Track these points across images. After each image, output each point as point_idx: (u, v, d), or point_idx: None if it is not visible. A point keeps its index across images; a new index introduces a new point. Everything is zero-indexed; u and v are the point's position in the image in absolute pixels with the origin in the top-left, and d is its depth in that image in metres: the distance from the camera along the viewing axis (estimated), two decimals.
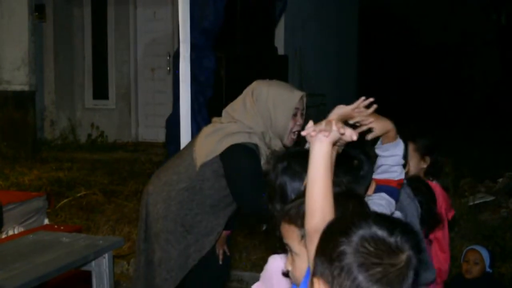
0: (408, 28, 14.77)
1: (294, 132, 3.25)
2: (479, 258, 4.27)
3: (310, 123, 1.76)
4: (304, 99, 3.30)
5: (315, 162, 1.68)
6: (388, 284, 1.34)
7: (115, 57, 10.94)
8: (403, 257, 1.37)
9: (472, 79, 15.52)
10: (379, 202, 2.36)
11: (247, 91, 3.34)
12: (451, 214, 3.59)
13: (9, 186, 7.42)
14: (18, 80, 9.56)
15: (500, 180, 6.71)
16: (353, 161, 2.36)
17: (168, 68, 10.02)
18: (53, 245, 3.02)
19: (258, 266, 3.74)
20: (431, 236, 3.29)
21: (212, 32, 5.92)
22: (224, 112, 3.37)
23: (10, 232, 5.23)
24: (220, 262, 3.51)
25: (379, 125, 2.34)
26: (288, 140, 3.25)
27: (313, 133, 1.70)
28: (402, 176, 2.47)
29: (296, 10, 9.64)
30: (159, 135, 9.15)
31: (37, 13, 10.00)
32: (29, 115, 9.63)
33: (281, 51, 9.27)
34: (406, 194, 2.82)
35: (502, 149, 8.94)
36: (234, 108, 3.33)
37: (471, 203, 6.05)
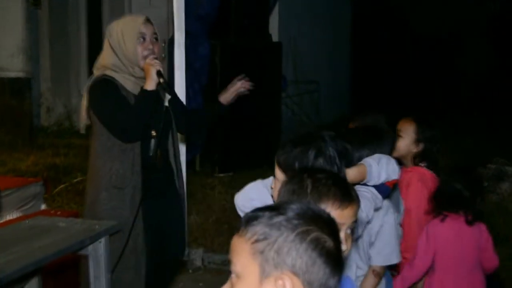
0: (402, 17, 14.75)
1: (145, 56, 3.31)
2: None
3: None
4: (151, 25, 3.41)
5: None
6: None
7: None
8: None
9: (464, 69, 15.53)
10: (365, 195, 2.36)
11: (105, 33, 3.49)
12: None
13: (6, 172, 7.41)
14: (14, 67, 9.52)
15: (490, 166, 6.74)
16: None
17: (163, 55, 9.96)
18: (50, 230, 3.01)
19: None
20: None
21: (207, 19, 5.92)
22: None
23: (8, 217, 5.23)
24: None
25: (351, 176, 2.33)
26: (141, 64, 3.32)
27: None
28: (395, 177, 2.47)
29: None
30: None
31: (32, 0, 9.94)
32: (26, 102, 9.60)
33: (275, 38, 9.25)
34: None
35: (492, 137, 8.99)
36: (94, 65, 3.48)
37: None
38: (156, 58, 3.34)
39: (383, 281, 2.89)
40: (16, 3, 9.41)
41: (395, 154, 3.14)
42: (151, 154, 3.37)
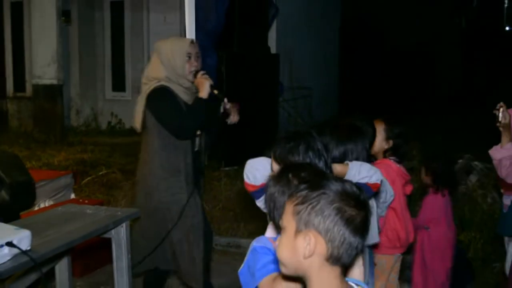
0: (383, 31, 14.73)
1: (191, 72, 3.50)
2: None
3: None
4: (195, 45, 3.57)
5: None
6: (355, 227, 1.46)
7: (131, 55, 10.92)
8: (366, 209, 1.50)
9: (437, 75, 15.50)
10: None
11: (152, 52, 3.65)
12: (409, 189, 3.64)
13: (41, 166, 7.42)
14: (48, 75, 9.54)
15: (460, 160, 6.73)
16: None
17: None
18: (78, 216, 3.02)
19: (255, 234, 3.74)
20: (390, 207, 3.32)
21: (214, 34, 5.91)
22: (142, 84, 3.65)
23: (42, 205, 5.24)
24: None
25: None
26: (190, 77, 3.50)
27: None
28: (376, 180, 2.48)
29: (286, 15, 9.60)
30: None
31: (64, 18, 9.95)
32: (58, 105, 9.61)
33: (273, 50, 9.24)
34: None
35: (462, 135, 8.97)
36: (144, 75, 3.61)
37: None
38: (205, 73, 3.53)
39: (367, 257, 2.92)
40: (51, 20, 9.43)
41: (373, 151, 3.17)
42: (196, 149, 3.57)
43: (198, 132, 3.57)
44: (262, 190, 2.37)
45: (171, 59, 3.49)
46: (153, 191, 3.51)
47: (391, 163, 3.47)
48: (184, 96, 3.52)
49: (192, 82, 3.52)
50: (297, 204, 1.49)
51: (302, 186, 1.53)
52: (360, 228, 1.47)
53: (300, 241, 1.46)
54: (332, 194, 1.47)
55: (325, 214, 1.45)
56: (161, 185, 3.49)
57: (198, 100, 3.45)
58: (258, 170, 2.42)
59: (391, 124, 3.49)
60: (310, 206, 1.46)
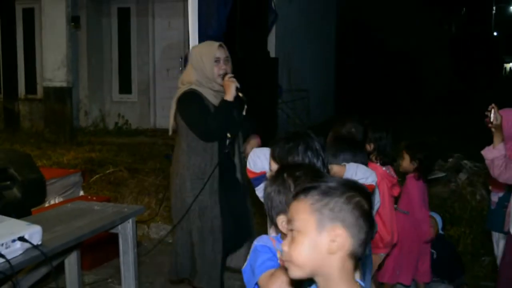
0: (377, 36, 14.74)
1: (220, 75, 3.43)
2: (434, 222, 4.30)
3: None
4: (224, 49, 3.50)
5: None
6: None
7: (137, 59, 10.90)
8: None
9: (428, 78, 15.51)
10: None
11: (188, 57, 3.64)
12: (396, 191, 3.64)
13: (51, 164, 7.42)
14: (58, 78, 9.53)
15: (450, 160, 6.73)
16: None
17: (180, 68, 9.97)
18: (87, 212, 3.01)
19: (256, 231, 3.73)
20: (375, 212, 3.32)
21: (216, 38, 5.86)
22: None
23: (52, 202, 5.24)
24: None
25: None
26: (219, 80, 3.44)
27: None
28: (372, 182, 2.47)
29: (285, 21, 9.59)
30: None
31: (73, 23, 9.93)
32: (67, 107, 9.61)
33: (272, 54, 9.23)
34: None
35: (451, 136, 8.97)
36: (179, 80, 3.57)
37: None
38: (232, 76, 3.46)
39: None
40: (61, 26, 9.42)
41: None
42: (226, 151, 3.45)
43: (229, 135, 3.46)
44: (260, 177, 2.38)
45: (200, 62, 3.44)
46: (178, 190, 3.48)
47: (377, 166, 3.47)
48: (213, 99, 3.45)
49: (221, 85, 3.47)
50: (314, 203, 1.42)
51: (309, 186, 1.47)
52: (373, 222, 1.46)
53: (324, 238, 1.40)
54: (344, 188, 1.44)
55: (348, 208, 1.41)
56: (186, 185, 3.44)
57: (223, 102, 3.38)
58: (259, 158, 2.45)
59: (372, 128, 3.49)
60: (331, 202, 1.41)
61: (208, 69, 3.42)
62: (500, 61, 28.67)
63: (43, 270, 2.93)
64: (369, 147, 3.48)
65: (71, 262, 3.24)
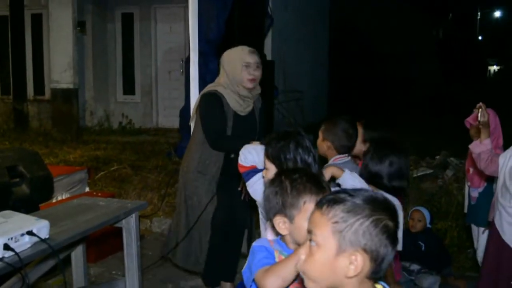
0: (369, 40, 14.76)
1: (249, 79, 3.37)
2: (422, 216, 4.31)
3: None
4: (255, 56, 3.44)
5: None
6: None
7: (140, 62, 10.89)
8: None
9: (415, 80, 15.53)
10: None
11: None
12: None
13: (58, 162, 7.40)
14: (65, 80, 9.52)
15: (438, 157, 6.74)
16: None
17: (181, 71, 9.97)
18: (92, 207, 3.01)
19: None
20: None
21: (215, 42, 5.86)
22: None
23: (59, 198, 5.22)
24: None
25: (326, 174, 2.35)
26: (246, 84, 3.39)
27: None
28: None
29: (281, 25, 9.58)
30: (175, 123, 9.12)
31: (79, 28, 9.92)
32: (74, 107, 9.60)
33: (269, 57, 9.23)
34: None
35: (439, 135, 8.99)
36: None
37: (415, 175, 6.07)
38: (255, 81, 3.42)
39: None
40: (67, 31, 9.41)
41: (353, 153, 3.16)
42: (232, 156, 3.30)
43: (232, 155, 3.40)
44: (250, 172, 2.38)
45: (229, 65, 3.40)
46: (185, 179, 3.51)
47: None
48: (236, 104, 3.39)
49: (249, 90, 3.40)
50: (336, 222, 1.30)
51: (334, 198, 1.33)
52: (397, 242, 1.34)
53: (344, 261, 1.29)
54: (372, 208, 1.30)
55: (374, 233, 1.28)
56: (189, 175, 3.47)
57: (245, 140, 2.83)
58: (250, 153, 2.45)
59: (367, 128, 3.47)
60: (355, 224, 1.29)
61: (236, 72, 3.36)
62: (484, 63, 28.77)
63: (50, 263, 2.93)
64: (364, 145, 3.46)
65: (77, 255, 3.24)
